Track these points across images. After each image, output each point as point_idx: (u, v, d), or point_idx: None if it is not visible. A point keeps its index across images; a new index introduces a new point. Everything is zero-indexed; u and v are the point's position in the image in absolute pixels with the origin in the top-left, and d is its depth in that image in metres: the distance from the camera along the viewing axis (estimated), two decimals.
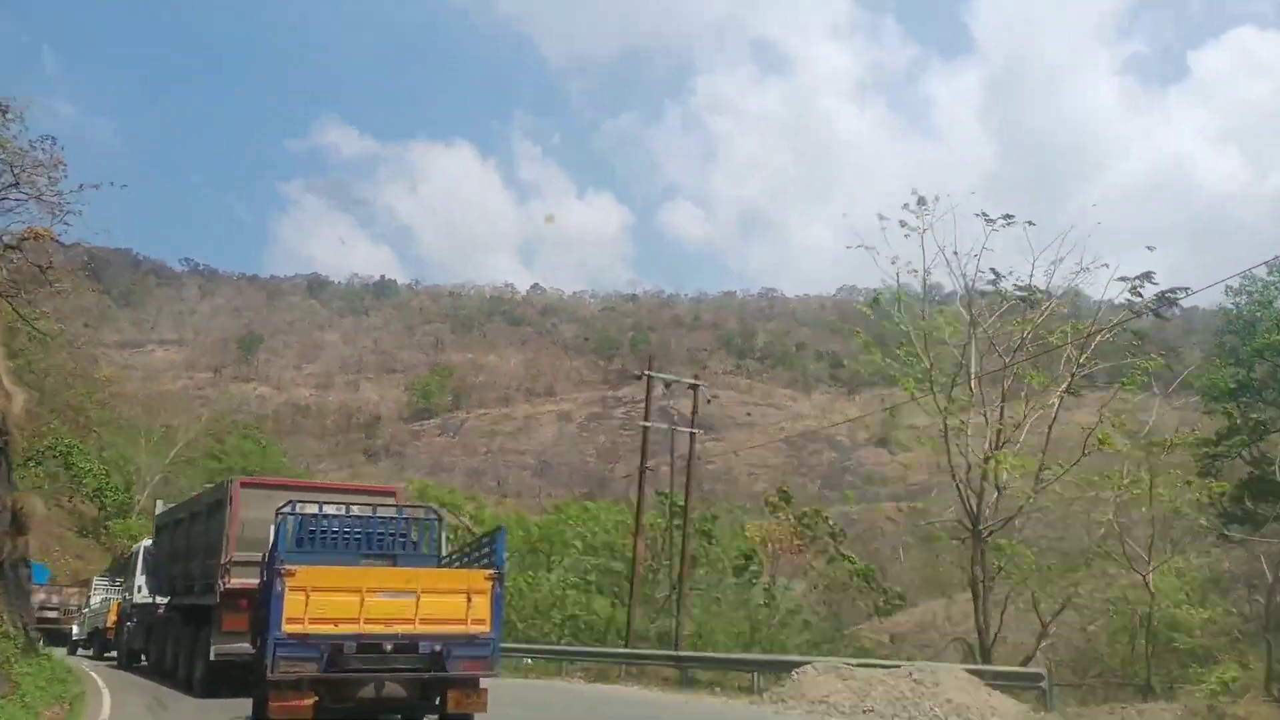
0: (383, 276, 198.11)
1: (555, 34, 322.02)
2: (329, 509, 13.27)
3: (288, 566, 10.74)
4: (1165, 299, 20.65)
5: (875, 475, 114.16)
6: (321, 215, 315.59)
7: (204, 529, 17.82)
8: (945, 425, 20.85)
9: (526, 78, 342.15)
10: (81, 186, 19.68)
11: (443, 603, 11.22)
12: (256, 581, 13.94)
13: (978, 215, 21.85)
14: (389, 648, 10.88)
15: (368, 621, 10.83)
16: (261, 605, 11.94)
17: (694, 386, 27.07)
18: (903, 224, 21.80)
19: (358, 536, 13.01)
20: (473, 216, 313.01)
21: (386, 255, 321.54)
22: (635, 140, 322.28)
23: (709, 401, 28.24)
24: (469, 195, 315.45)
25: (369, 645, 10.80)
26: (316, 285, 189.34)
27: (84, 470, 40.38)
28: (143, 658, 22.90)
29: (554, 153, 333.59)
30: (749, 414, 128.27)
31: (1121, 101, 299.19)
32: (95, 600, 32.13)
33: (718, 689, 20.30)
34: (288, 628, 10.52)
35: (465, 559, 13.34)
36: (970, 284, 22.09)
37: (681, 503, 27.39)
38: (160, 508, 24.05)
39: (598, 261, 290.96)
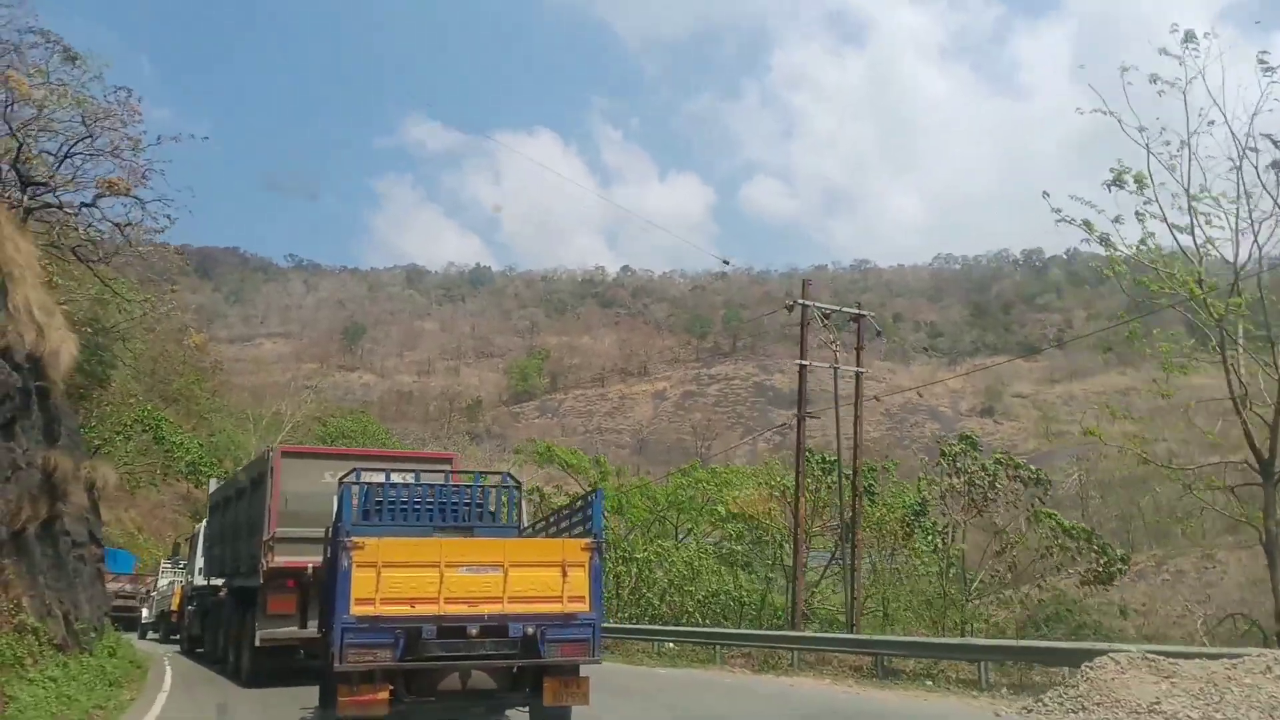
0: (478, 264, 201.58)
1: (629, 16, 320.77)
2: (396, 477, 11.90)
3: (355, 539, 9.52)
4: None
5: (983, 446, 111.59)
6: (414, 207, 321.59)
7: (248, 505, 16.47)
8: (1223, 337, 16.42)
9: (603, 62, 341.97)
10: (160, 139, 18.87)
11: (535, 577, 9.91)
12: (302, 560, 13.31)
13: (1261, 59, 16.26)
14: (474, 631, 9.55)
15: (449, 601, 9.54)
16: (327, 585, 10.92)
17: (858, 317, 22.72)
18: (1155, 79, 16.54)
19: (429, 507, 11.75)
20: (557, 203, 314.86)
21: (476, 244, 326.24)
22: (714, 119, 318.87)
23: (879, 335, 24.53)
24: (553, 182, 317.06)
25: (451, 629, 9.50)
26: (415, 275, 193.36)
27: (175, 444, 37.45)
28: (203, 643, 21.62)
29: (634, 136, 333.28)
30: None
31: (1224, 48, 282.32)
32: (163, 584, 30.87)
33: (929, 682, 16.81)
34: (357, 609, 9.29)
35: (557, 527, 12.06)
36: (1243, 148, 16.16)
37: (833, 458, 23.88)
38: (214, 486, 22.67)
39: (681, 242, 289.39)
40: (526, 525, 12.94)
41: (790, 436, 26.43)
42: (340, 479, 10.86)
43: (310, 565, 13.09)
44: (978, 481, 22.93)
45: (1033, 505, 23.01)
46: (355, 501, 10.64)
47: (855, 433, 22.15)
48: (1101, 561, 22.19)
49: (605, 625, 23.04)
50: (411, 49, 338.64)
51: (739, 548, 28.76)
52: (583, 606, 9.94)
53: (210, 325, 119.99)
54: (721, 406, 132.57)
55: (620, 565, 27.59)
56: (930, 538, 24.87)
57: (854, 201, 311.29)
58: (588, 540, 10.26)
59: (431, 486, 12.15)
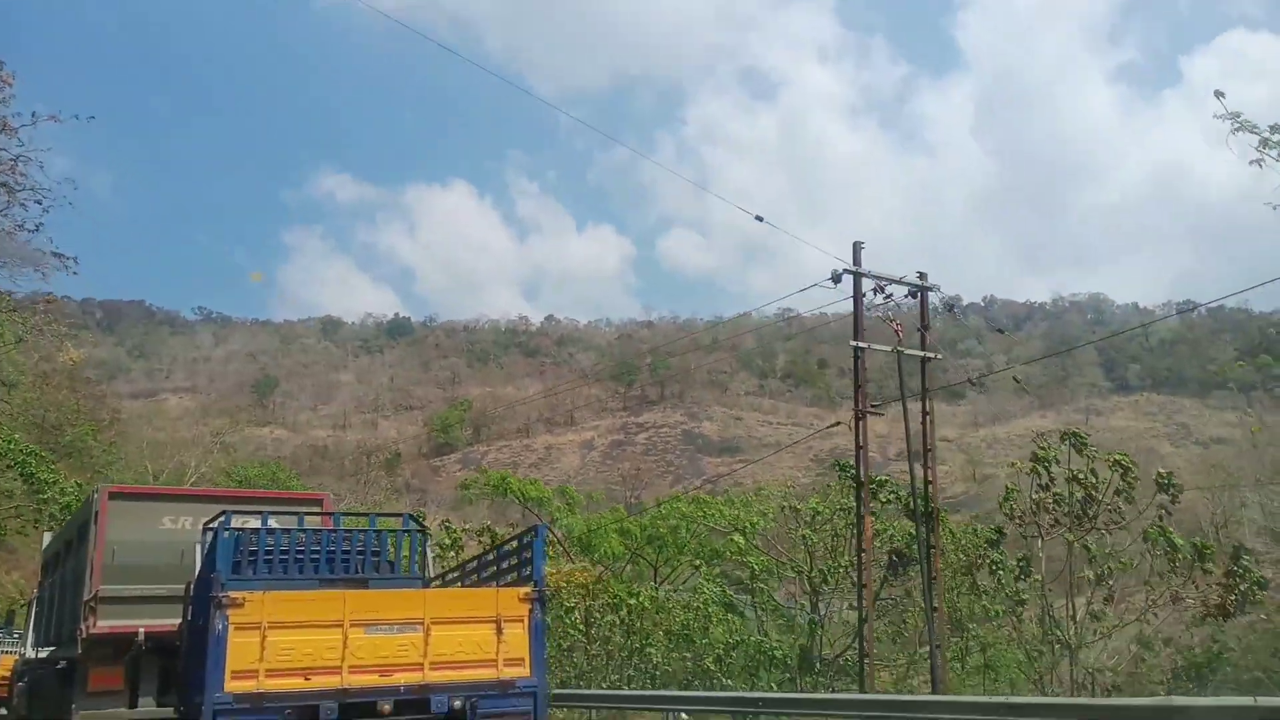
0: (396, 314, 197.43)
1: (544, 70, 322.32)
2: (273, 521, 10.02)
3: (233, 594, 7.67)
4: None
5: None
6: (326, 259, 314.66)
7: (74, 560, 13.67)
8: None
9: (519, 115, 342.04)
10: (35, 115, 17.62)
11: (463, 637, 8.29)
12: (130, 624, 10.99)
13: None
14: (387, 707, 7.90)
15: (354, 670, 7.85)
16: (188, 654, 8.99)
17: (921, 289, 18.11)
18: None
19: (313, 556, 9.83)
20: (473, 255, 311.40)
21: (389, 297, 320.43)
22: (631, 172, 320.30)
23: (950, 310, 19.47)
24: (469, 234, 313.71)
25: (358, 705, 7.82)
26: (330, 327, 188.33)
27: (47, 483, 31.89)
28: None
29: (550, 188, 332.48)
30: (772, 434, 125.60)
31: (1116, 109, 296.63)
32: None
33: None
34: (234, 684, 7.49)
35: (487, 573, 10.15)
36: None
37: (857, 475, 18.59)
38: (46, 539, 18.88)
39: (601, 294, 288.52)
40: (434, 576, 11.08)
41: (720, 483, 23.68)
42: (205, 524, 9.30)
43: (142, 630, 10.90)
44: (1090, 492, 17.87)
45: (1160, 516, 17.84)
46: (223, 550, 8.42)
47: (925, 435, 17.69)
48: (1239, 587, 17.10)
49: (598, 694, 19.41)
50: (321, 101, 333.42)
51: (758, 585, 23.80)
52: (522, 671, 8.47)
53: (112, 380, 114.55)
54: (650, 455, 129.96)
55: (608, 615, 23.14)
56: (1002, 572, 19.92)
57: (770, 253, 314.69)
58: (527, 589, 8.72)
59: (316, 532, 10.37)
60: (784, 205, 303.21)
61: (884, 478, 20.38)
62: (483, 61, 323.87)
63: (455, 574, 11.38)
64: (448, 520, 28.14)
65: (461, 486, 38.71)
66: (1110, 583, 17.99)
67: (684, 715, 18.16)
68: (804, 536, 22.46)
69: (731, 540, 24.21)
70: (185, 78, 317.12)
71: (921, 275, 18.39)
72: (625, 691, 20.65)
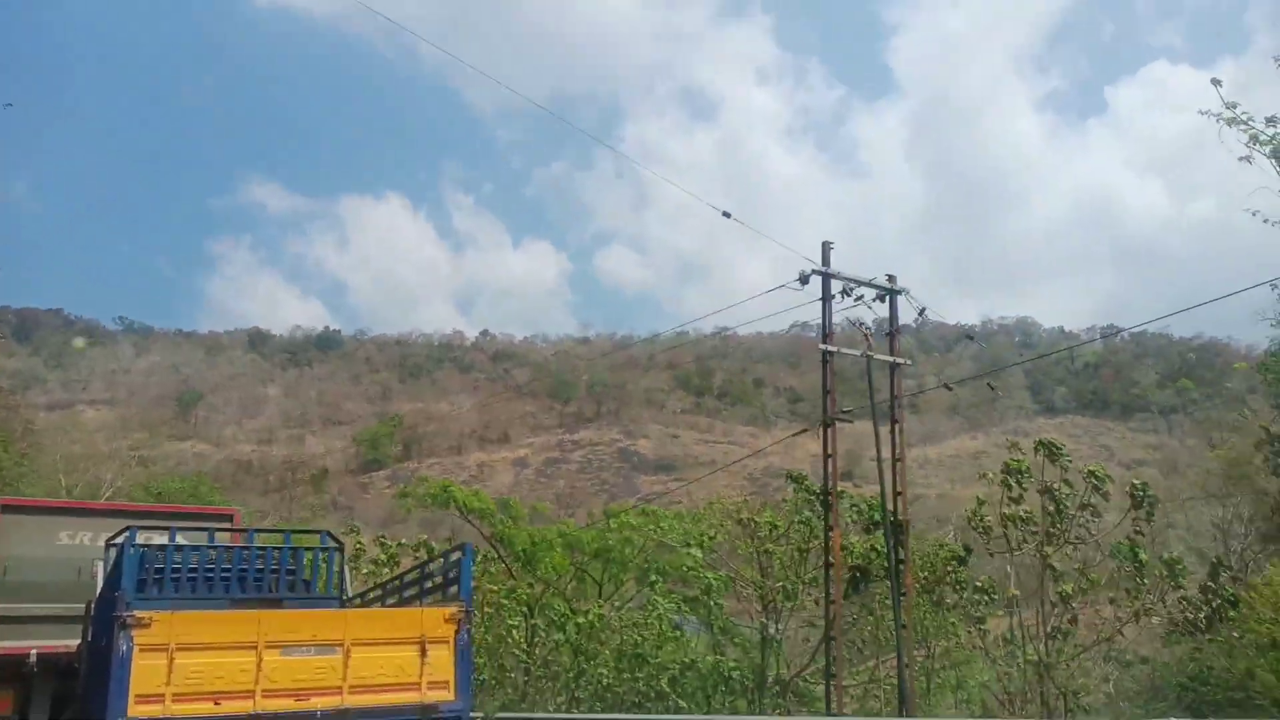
0: (326, 328, 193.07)
1: (482, 84, 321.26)
2: (181, 538, 9.74)
3: (139, 614, 7.21)
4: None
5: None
6: (254, 270, 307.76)
7: None
8: None
9: (455, 128, 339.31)
10: None
11: (384, 659, 7.92)
12: (22, 646, 10.56)
13: None
14: None
15: (268, 694, 7.43)
16: (90, 676, 8.52)
17: (889, 293, 17.63)
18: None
19: (224, 575, 9.60)
20: (407, 268, 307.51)
21: (319, 310, 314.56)
22: (568, 188, 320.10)
23: (921, 315, 18.52)
24: (402, 247, 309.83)
25: None
26: (257, 339, 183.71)
27: None
28: None
29: (486, 202, 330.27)
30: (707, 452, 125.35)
31: (1043, 135, 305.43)
32: None
33: None
34: (139, 709, 7.02)
35: (410, 592, 9.74)
36: None
37: (820, 492, 18.12)
38: None
39: (538, 310, 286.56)
40: (353, 595, 10.83)
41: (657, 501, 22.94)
42: (108, 540, 9.20)
43: (34, 651, 10.52)
44: (1062, 505, 17.08)
45: (1136, 531, 17.11)
46: (128, 568, 8.02)
47: (894, 443, 17.26)
48: (1212, 603, 16.61)
49: (546, 717, 18.38)
50: (251, 109, 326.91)
51: (714, 601, 22.18)
52: (446, 695, 8.15)
53: (26, 391, 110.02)
54: (585, 473, 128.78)
55: (554, 633, 21.80)
56: (967, 591, 18.95)
57: (707, 271, 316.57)
58: (453, 609, 8.43)
59: (228, 548, 10.23)
60: (723, 223, 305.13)
61: (842, 490, 19.58)
62: (417, 75, 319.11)
63: (377, 593, 10.86)
64: (383, 536, 26.52)
65: (400, 494, 36.98)
66: (1079, 600, 17.17)
67: None
68: (765, 551, 21.40)
69: (688, 553, 23.20)
70: (108, 75, 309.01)
71: (890, 278, 17.80)
72: (576, 715, 19.72)
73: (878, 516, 19.00)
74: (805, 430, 18.96)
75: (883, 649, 20.13)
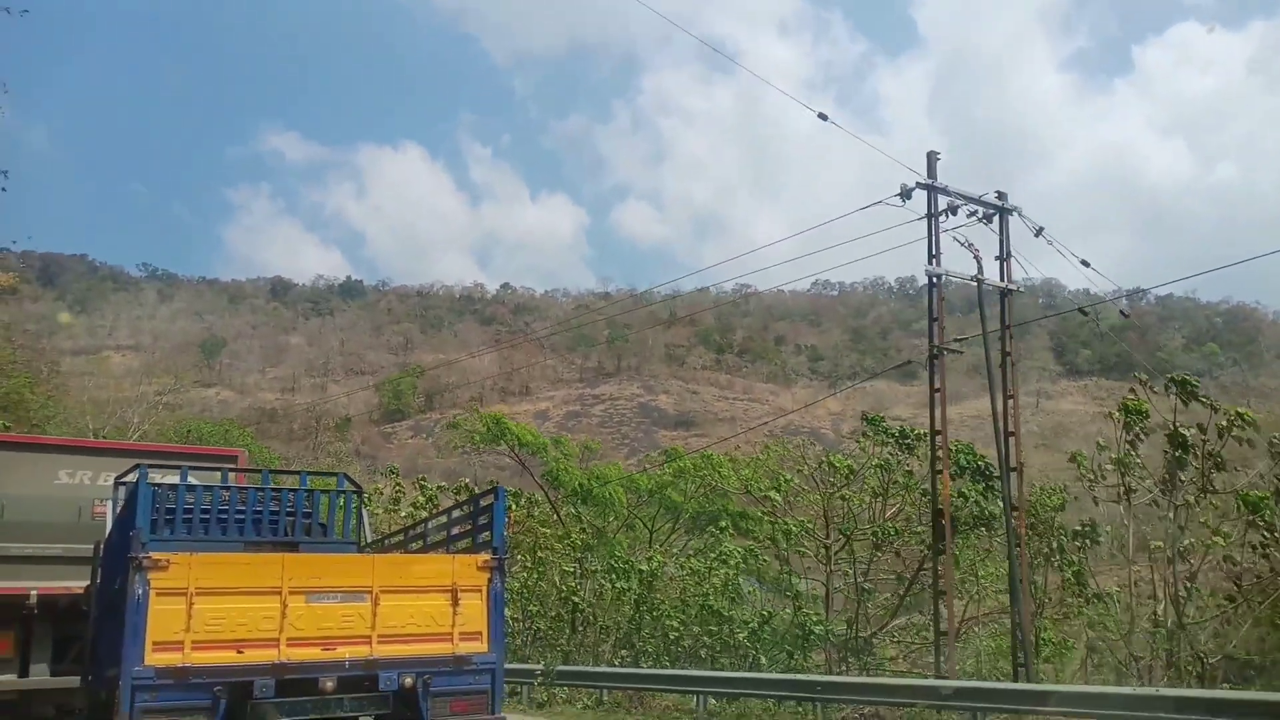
0: (349, 277, 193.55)
1: (498, 32, 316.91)
2: (193, 478, 9.18)
3: (155, 556, 6.77)
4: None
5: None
6: (272, 219, 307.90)
7: None
8: None
9: (472, 77, 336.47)
10: None
11: (415, 607, 7.49)
12: (20, 586, 10.16)
13: None
14: (330, 684, 7.03)
15: (293, 643, 7.00)
16: (102, 621, 8.14)
17: (1000, 211, 15.94)
18: None
19: (238, 517, 9.14)
20: (425, 219, 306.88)
21: (337, 259, 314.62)
22: (585, 140, 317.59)
23: (1039, 234, 16.30)
24: (420, 198, 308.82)
25: (297, 682, 6.97)
26: (280, 288, 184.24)
27: None
28: None
29: (504, 154, 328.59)
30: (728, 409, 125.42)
31: (1067, 94, 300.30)
32: None
33: None
34: (156, 657, 6.60)
35: (434, 538, 9.35)
36: None
37: (931, 426, 16.18)
38: None
39: (554, 263, 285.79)
40: (371, 541, 10.33)
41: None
42: (118, 479, 8.56)
43: (34, 592, 10.14)
44: (1192, 450, 14.66)
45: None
46: (140, 508, 7.35)
47: (1005, 378, 15.75)
48: None
49: (623, 672, 17.99)
50: (266, 56, 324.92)
51: (796, 549, 20.81)
52: (479, 646, 7.67)
53: (52, 336, 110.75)
54: (606, 427, 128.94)
55: (619, 580, 20.52)
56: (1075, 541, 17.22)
57: (723, 226, 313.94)
58: (485, 556, 7.91)
59: (242, 489, 9.70)
60: (739, 178, 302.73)
61: (920, 431, 18.26)
62: (430, 22, 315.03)
63: (398, 538, 10.51)
64: (423, 478, 26.44)
65: (449, 426, 36.23)
66: (1201, 558, 15.16)
67: (711, 701, 16.00)
68: (842, 497, 20.10)
69: (769, 494, 21.64)
70: (122, 23, 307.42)
71: (1000, 195, 16.20)
72: (650, 670, 18.48)
73: (963, 461, 17.98)
74: (904, 363, 17.93)
75: (973, 602, 18.85)
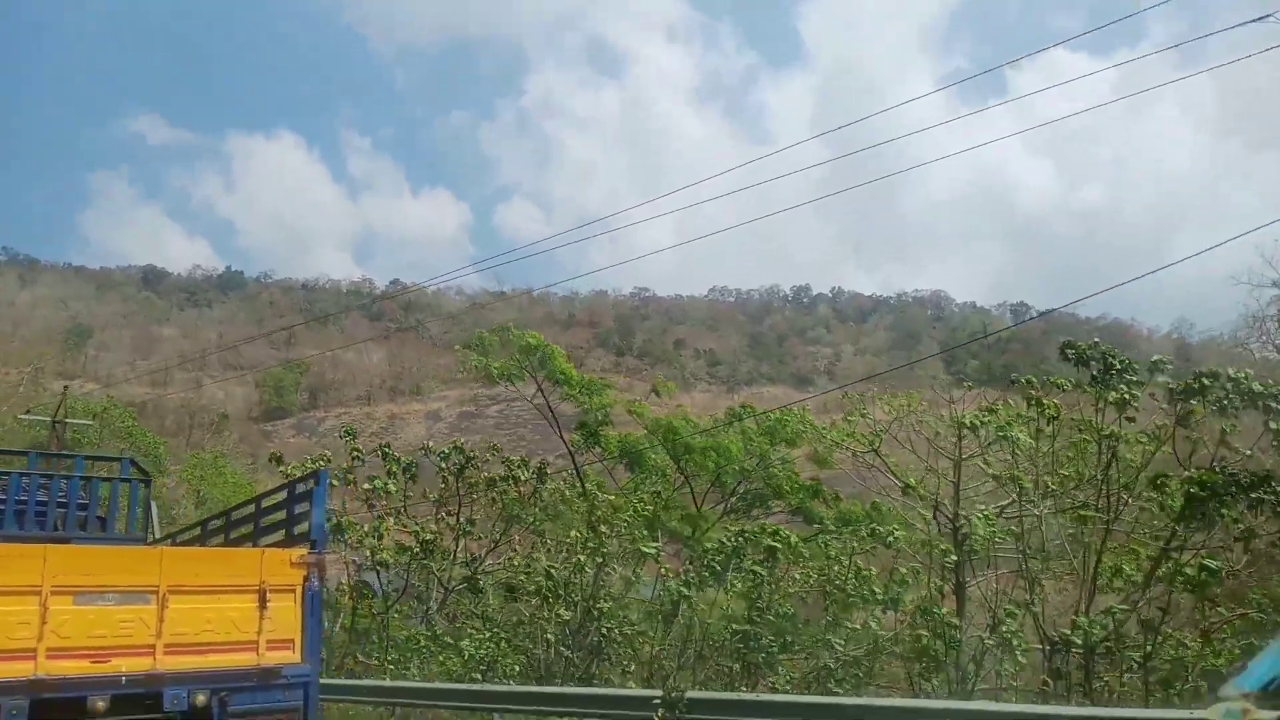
0: (228, 268, 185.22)
1: (380, 22, 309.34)
2: None
3: None
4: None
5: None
6: (134, 205, 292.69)
7: None
8: None
9: (352, 68, 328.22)
10: None
11: (212, 611, 6.53)
12: None
13: None
14: (101, 704, 5.92)
15: (55, 654, 5.88)
16: None
17: None
18: None
19: None
20: (302, 210, 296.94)
21: (208, 249, 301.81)
22: (469, 137, 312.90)
23: None
24: (296, 189, 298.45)
25: (59, 702, 5.83)
26: (153, 277, 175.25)
27: None
28: None
29: (384, 146, 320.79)
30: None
31: (943, 112, 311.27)
32: None
33: None
34: None
35: (237, 532, 8.22)
36: None
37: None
38: None
39: (438, 260, 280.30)
40: (160, 537, 9.28)
41: None
42: None
43: None
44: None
45: None
46: None
47: None
48: None
49: (816, 702, 10.80)
50: (129, 38, 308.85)
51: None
52: (291, 656, 6.73)
53: None
54: (502, 429, 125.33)
55: (758, 565, 15.03)
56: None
57: (609, 229, 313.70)
58: (301, 550, 6.98)
59: (2, 476, 8.57)
60: (625, 182, 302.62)
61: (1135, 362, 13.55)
62: (308, 11, 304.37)
63: (194, 531, 8.85)
64: (386, 445, 22.20)
65: (466, 346, 32.20)
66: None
67: None
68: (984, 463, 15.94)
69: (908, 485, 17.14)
70: None
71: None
72: (821, 700, 11.04)
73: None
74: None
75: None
